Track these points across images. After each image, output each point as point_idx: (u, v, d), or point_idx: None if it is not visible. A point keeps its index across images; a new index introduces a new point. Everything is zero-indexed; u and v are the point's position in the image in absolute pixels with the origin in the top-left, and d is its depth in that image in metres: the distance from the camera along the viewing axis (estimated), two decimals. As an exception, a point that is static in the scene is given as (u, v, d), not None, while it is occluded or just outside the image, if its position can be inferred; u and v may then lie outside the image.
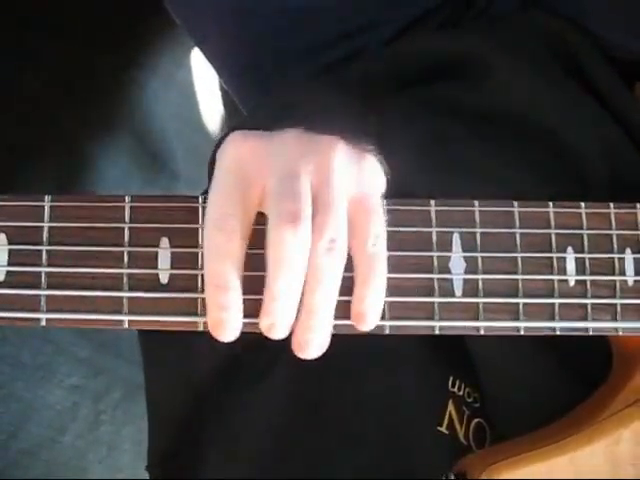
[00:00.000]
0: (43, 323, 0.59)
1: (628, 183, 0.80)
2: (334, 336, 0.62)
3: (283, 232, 0.58)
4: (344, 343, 0.62)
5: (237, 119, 0.67)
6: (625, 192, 0.77)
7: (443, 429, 0.75)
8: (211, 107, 1.48)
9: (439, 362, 0.76)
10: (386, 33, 0.98)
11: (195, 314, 0.60)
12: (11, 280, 0.59)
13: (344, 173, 0.61)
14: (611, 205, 0.67)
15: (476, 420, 0.76)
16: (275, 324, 0.60)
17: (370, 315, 0.61)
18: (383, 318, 0.62)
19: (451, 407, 0.76)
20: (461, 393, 0.76)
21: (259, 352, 0.78)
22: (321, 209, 0.60)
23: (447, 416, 0.75)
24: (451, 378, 0.76)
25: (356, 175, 0.63)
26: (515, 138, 0.83)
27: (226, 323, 0.59)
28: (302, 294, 0.60)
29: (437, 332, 0.62)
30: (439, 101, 0.88)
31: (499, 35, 0.91)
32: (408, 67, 0.91)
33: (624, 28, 0.90)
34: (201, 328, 0.60)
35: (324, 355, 0.75)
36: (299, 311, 0.60)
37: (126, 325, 0.59)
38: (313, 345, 0.61)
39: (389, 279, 0.62)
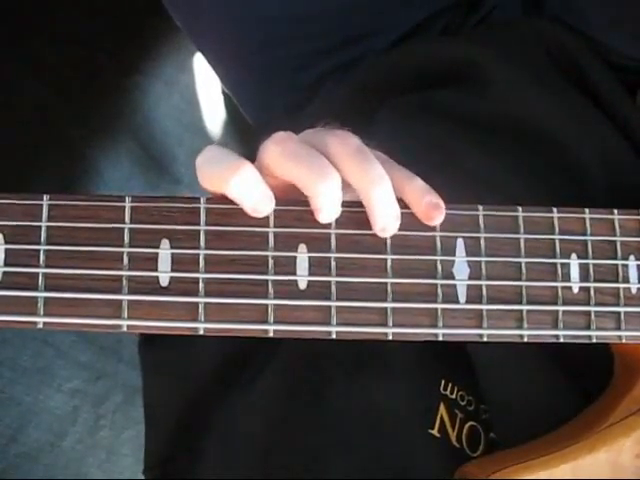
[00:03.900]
0: (40, 326, 0.58)
1: (628, 188, 0.81)
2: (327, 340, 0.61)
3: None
4: (337, 345, 0.61)
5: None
6: (625, 197, 0.77)
7: (434, 432, 0.75)
8: (213, 112, 1.48)
9: (430, 365, 0.76)
10: (387, 40, 0.98)
11: (196, 318, 0.59)
12: (7, 281, 0.58)
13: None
14: (615, 212, 0.66)
15: (469, 423, 0.76)
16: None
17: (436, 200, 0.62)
18: (386, 324, 0.61)
19: (442, 410, 0.75)
20: (453, 396, 0.76)
21: (254, 354, 0.78)
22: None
23: (438, 419, 0.75)
24: (443, 381, 0.76)
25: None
26: (515, 144, 0.83)
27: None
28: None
29: (440, 339, 0.62)
30: (439, 107, 0.88)
31: (499, 42, 0.92)
32: (408, 74, 0.92)
33: (625, 35, 0.90)
34: (201, 332, 0.59)
35: (318, 358, 0.75)
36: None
37: (125, 329, 0.58)
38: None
39: (392, 284, 0.61)
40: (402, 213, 0.62)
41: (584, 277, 0.65)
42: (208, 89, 1.47)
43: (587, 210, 0.66)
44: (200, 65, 1.45)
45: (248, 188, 0.59)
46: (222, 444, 0.79)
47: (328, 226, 0.61)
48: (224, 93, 1.45)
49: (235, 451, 0.78)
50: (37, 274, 0.58)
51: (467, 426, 0.76)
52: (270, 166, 0.60)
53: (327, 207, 0.60)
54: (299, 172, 0.60)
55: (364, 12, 0.99)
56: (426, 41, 0.98)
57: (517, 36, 0.94)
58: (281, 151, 0.60)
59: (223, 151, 0.60)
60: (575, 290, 0.65)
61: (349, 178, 0.60)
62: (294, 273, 0.60)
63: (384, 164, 0.62)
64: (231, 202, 0.60)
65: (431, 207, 0.62)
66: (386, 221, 0.61)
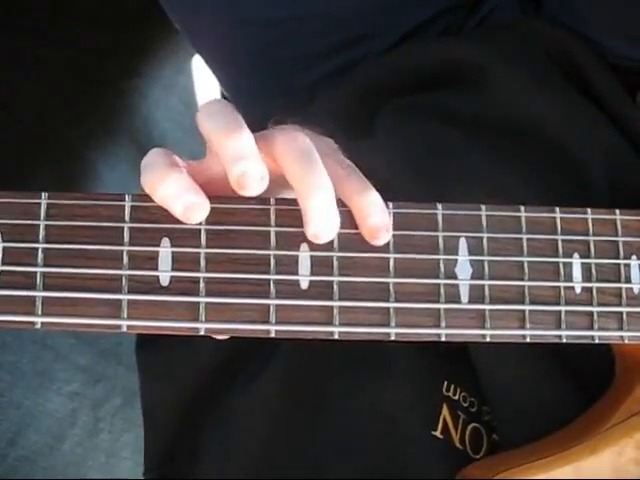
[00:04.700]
0: (38, 326, 0.57)
1: (629, 188, 0.81)
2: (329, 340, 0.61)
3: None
4: (338, 345, 0.61)
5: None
6: (626, 197, 0.77)
7: (437, 433, 0.75)
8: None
9: (433, 366, 0.76)
10: (386, 41, 0.98)
11: (196, 318, 0.59)
12: (5, 280, 0.57)
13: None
14: (617, 211, 0.66)
15: (472, 425, 0.76)
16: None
17: (378, 219, 0.60)
18: (388, 324, 0.61)
19: (445, 411, 0.75)
20: (456, 397, 0.76)
21: (253, 354, 0.78)
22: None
23: (441, 420, 0.75)
24: (445, 382, 0.76)
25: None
26: (516, 144, 0.83)
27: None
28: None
29: (443, 339, 0.62)
30: (438, 108, 0.88)
31: (499, 43, 0.92)
32: (407, 75, 0.92)
33: (624, 36, 0.90)
34: (202, 333, 0.59)
35: (318, 357, 0.75)
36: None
37: (124, 329, 0.58)
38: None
39: (395, 284, 0.61)
40: (405, 213, 0.62)
41: (586, 277, 0.65)
42: (207, 91, 1.47)
43: (589, 210, 0.66)
44: (199, 67, 1.45)
45: (173, 198, 0.57)
46: (221, 444, 0.79)
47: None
48: (223, 95, 1.45)
49: (234, 451, 0.78)
50: (35, 273, 0.57)
51: (470, 428, 0.76)
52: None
53: None
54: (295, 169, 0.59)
55: (364, 13, 0.99)
56: (425, 42, 0.98)
57: (516, 37, 0.94)
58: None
59: (157, 157, 0.59)
60: (577, 290, 0.65)
61: (289, 179, 0.59)
62: (296, 273, 0.60)
63: (336, 169, 0.60)
64: (231, 201, 0.59)
65: (375, 229, 0.60)
66: (318, 230, 0.59)
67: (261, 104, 1.05)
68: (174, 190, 0.57)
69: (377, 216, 0.60)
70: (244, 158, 0.57)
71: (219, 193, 0.59)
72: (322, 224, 0.58)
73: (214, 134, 0.58)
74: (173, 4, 1.06)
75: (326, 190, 0.58)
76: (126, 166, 1.36)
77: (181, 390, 0.81)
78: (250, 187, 0.57)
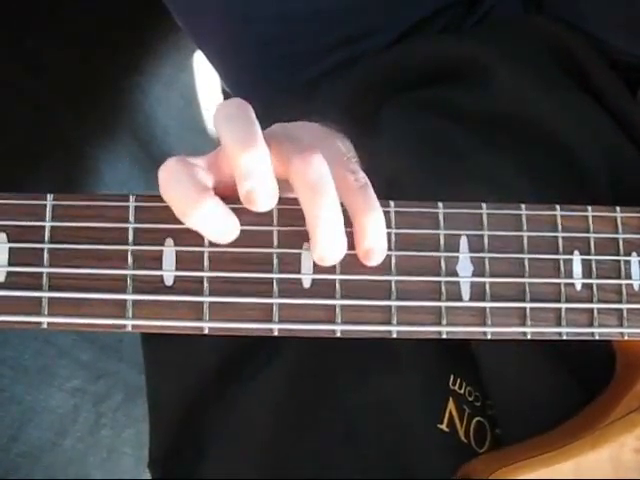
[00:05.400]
0: (44, 326, 0.57)
1: (629, 185, 0.81)
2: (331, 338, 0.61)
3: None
4: (343, 340, 0.61)
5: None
6: (626, 194, 0.77)
7: (443, 427, 0.75)
8: (213, 110, 1.48)
9: (440, 360, 0.76)
10: (387, 38, 0.98)
11: (200, 317, 0.59)
12: (11, 281, 0.57)
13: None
14: (617, 209, 0.67)
15: (477, 419, 0.76)
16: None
17: (375, 243, 0.60)
18: (390, 322, 0.61)
19: (451, 405, 0.76)
20: (462, 391, 0.76)
21: (258, 350, 0.78)
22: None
23: (447, 414, 0.75)
24: (452, 376, 0.77)
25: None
26: (515, 141, 0.83)
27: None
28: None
29: (444, 336, 0.62)
30: (439, 104, 0.88)
31: (499, 39, 0.92)
32: (408, 71, 0.92)
33: (625, 32, 0.90)
34: (206, 332, 0.59)
35: (323, 352, 0.75)
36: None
37: (129, 329, 0.58)
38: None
39: (397, 282, 0.61)
40: (406, 211, 0.62)
41: (587, 274, 0.65)
42: (208, 88, 1.47)
43: (589, 207, 0.66)
44: (200, 64, 1.45)
45: (209, 224, 0.57)
46: (227, 438, 0.79)
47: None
48: (224, 92, 1.45)
49: (240, 445, 0.78)
50: (41, 274, 0.58)
51: (474, 422, 0.76)
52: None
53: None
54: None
55: (365, 10, 0.99)
56: (427, 39, 0.98)
57: (517, 34, 0.94)
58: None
59: (180, 175, 0.58)
60: (578, 287, 0.65)
61: (300, 202, 0.59)
62: (298, 271, 0.60)
63: (347, 180, 0.60)
64: (235, 201, 0.59)
65: (370, 251, 0.60)
66: (323, 255, 0.59)
67: (263, 100, 1.05)
68: (210, 219, 0.57)
69: (374, 239, 0.60)
70: (256, 176, 0.57)
71: (227, 192, 0.60)
72: (327, 251, 0.58)
73: (230, 143, 0.58)
74: (176, 1, 1.06)
75: (334, 223, 0.58)
76: (128, 163, 1.36)
77: (187, 384, 0.81)
78: (258, 204, 0.57)
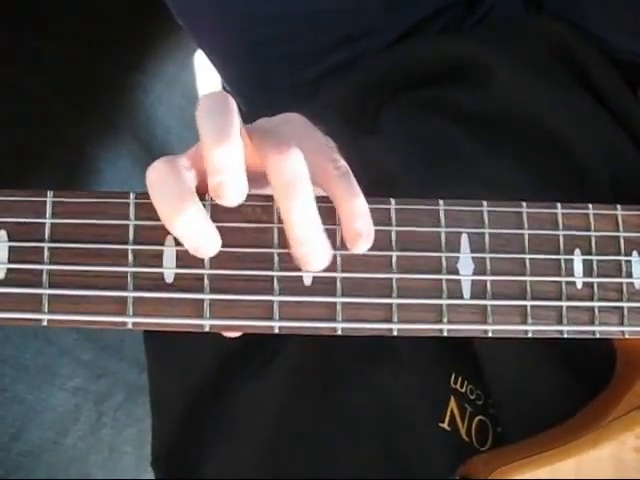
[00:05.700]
0: (44, 323, 0.57)
1: (629, 184, 0.81)
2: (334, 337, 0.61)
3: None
4: (346, 338, 0.61)
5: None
6: (627, 192, 0.77)
7: (445, 425, 0.75)
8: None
9: (441, 358, 0.76)
10: (387, 38, 0.98)
11: (201, 315, 0.59)
12: (12, 278, 0.57)
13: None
14: (618, 207, 0.67)
15: (478, 417, 0.76)
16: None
17: (362, 226, 0.60)
18: (391, 320, 0.61)
19: (453, 404, 0.76)
20: (463, 390, 0.76)
21: (260, 348, 0.78)
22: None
23: (449, 412, 0.76)
24: (453, 375, 0.77)
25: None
26: (516, 140, 0.84)
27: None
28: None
29: (445, 334, 0.62)
30: (439, 104, 0.88)
31: (499, 38, 0.92)
32: (409, 70, 0.92)
33: (626, 31, 0.90)
34: (207, 329, 0.59)
35: (324, 351, 0.75)
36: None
37: (130, 326, 0.58)
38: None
39: (397, 280, 0.61)
40: (407, 209, 0.62)
41: (587, 273, 0.65)
42: (209, 87, 1.46)
43: (590, 206, 0.66)
44: (201, 63, 1.45)
45: (187, 236, 0.57)
46: (229, 435, 0.79)
47: (333, 222, 0.61)
48: (225, 91, 1.45)
49: (243, 442, 0.78)
50: (41, 271, 0.58)
51: (476, 420, 0.76)
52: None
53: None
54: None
55: (365, 10, 0.99)
56: (427, 39, 0.98)
57: (518, 33, 0.94)
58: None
59: (166, 177, 0.58)
60: (579, 286, 0.65)
61: (275, 200, 0.59)
62: (299, 269, 0.60)
63: (328, 168, 0.60)
64: None
65: (356, 235, 0.60)
66: (299, 252, 0.59)
67: (263, 100, 1.05)
68: (192, 227, 0.57)
69: (359, 223, 0.60)
70: (226, 171, 0.56)
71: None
72: (308, 254, 0.59)
73: (205, 136, 0.57)
74: (176, 0, 1.06)
75: (308, 221, 0.58)
76: (129, 162, 1.36)
77: (189, 382, 0.82)
78: (227, 198, 0.57)
